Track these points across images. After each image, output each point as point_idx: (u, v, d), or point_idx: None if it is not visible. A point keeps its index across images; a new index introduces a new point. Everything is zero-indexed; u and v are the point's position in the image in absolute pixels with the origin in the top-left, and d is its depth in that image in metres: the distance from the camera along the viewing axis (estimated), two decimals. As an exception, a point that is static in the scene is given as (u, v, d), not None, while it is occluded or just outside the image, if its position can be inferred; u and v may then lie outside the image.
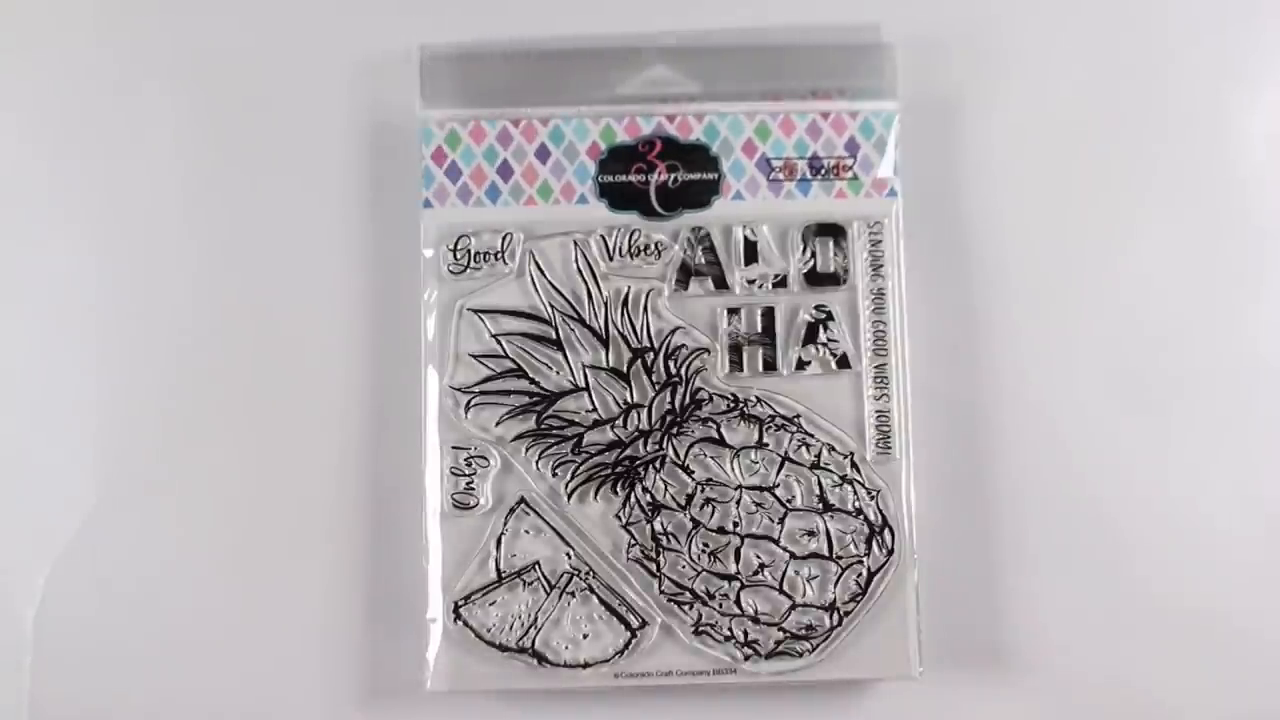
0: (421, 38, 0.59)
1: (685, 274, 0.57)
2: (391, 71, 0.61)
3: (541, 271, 0.57)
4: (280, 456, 0.61)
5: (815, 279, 0.57)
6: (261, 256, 0.62)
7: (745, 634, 0.56)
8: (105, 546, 0.60)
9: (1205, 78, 0.63)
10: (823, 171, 0.57)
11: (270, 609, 0.60)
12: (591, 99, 0.58)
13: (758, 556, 0.56)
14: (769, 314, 0.57)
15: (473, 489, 0.56)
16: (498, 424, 0.56)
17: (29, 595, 0.60)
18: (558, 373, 0.56)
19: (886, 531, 0.56)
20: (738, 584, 0.56)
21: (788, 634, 0.56)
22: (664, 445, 0.56)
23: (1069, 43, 0.63)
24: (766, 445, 0.56)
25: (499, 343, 0.56)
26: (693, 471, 0.56)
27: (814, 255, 0.57)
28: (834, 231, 0.57)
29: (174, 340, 0.61)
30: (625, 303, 0.57)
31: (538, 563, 0.56)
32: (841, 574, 0.56)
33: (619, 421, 0.56)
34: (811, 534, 0.56)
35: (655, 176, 0.57)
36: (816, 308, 0.57)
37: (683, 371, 0.57)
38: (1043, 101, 0.63)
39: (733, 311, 0.57)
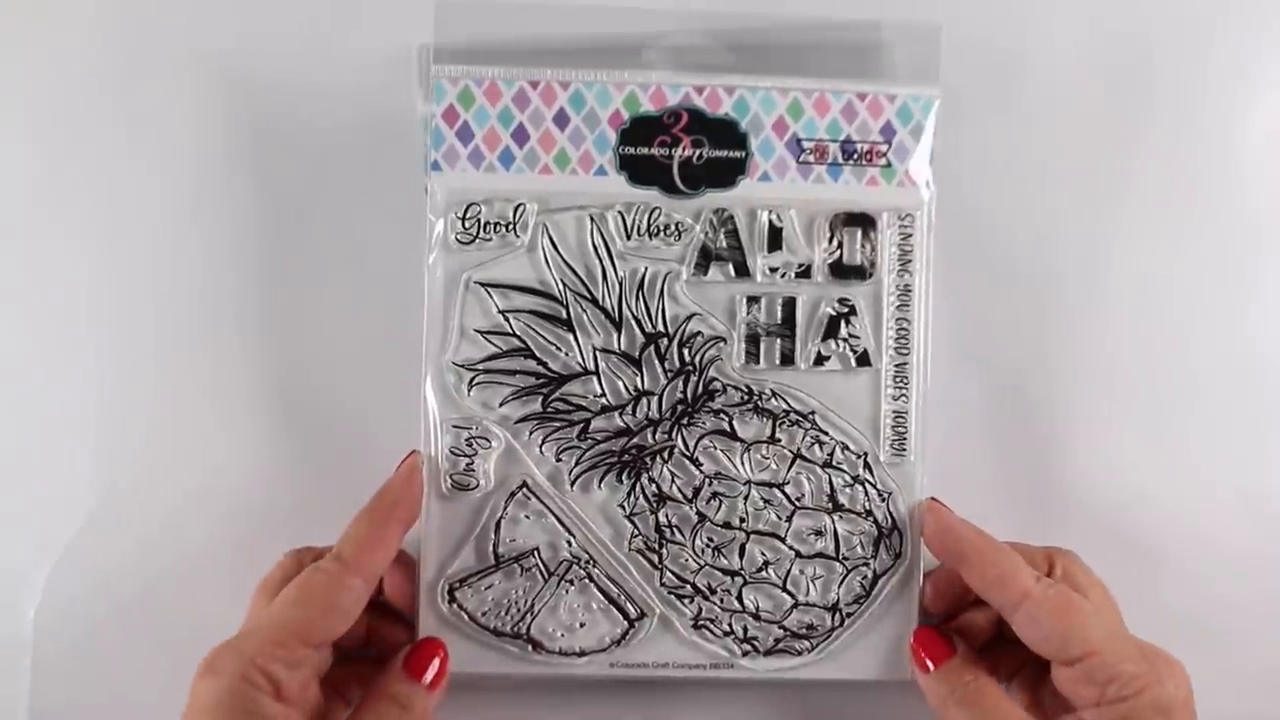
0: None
1: (705, 258, 0.54)
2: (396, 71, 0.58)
3: (555, 246, 0.54)
4: (280, 453, 0.60)
5: (840, 271, 0.54)
6: (265, 258, 0.60)
7: (745, 630, 0.55)
8: (105, 546, 0.60)
9: (1205, 77, 0.62)
10: (855, 156, 0.54)
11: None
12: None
13: (763, 553, 0.55)
14: (790, 305, 0.54)
15: (473, 470, 0.54)
16: (501, 404, 0.54)
17: (29, 595, 0.59)
18: (566, 354, 0.54)
19: (895, 535, 0.55)
20: (740, 580, 0.55)
21: (788, 632, 0.55)
22: (673, 435, 0.54)
23: (1070, 43, 0.62)
24: (779, 441, 0.55)
25: (506, 319, 0.54)
26: (701, 464, 0.54)
27: (841, 246, 0.54)
28: (863, 222, 0.54)
29: (175, 340, 0.60)
30: (641, 285, 0.54)
31: (536, 549, 0.54)
32: (846, 575, 0.55)
33: (628, 408, 0.54)
34: (819, 533, 0.55)
35: (679, 151, 0.54)
36: (840, 301, 0.54)
37: (697, 360, 0.54)
38: (1043, 101, 0.61)
39: (752, 300, 0.54)
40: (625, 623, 0.55)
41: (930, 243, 0.55)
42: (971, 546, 0.53)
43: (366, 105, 0.60)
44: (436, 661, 0.53)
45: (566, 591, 0.55)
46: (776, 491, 0.54)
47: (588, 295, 0.54)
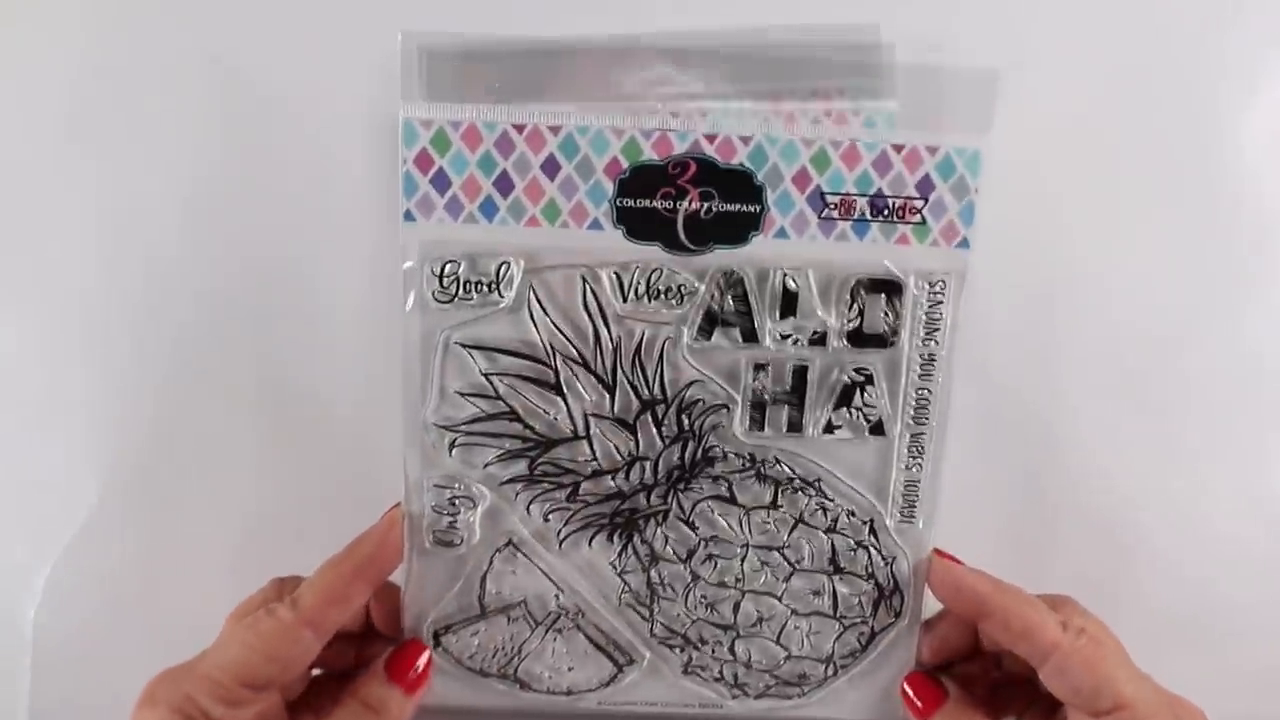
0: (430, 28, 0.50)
1: (710, 323, 0.48)
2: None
3: (543, 308, 0.48)
4: (279, 453, 0.60)
5: (859, 339, 0.49)
6: (266, 258, 0.58)
7: (735, 676, 0.54)
8: (105, 546, 0.60)
9: (1205, 77, 0.58)
10: (885, 213, 0.47)
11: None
12: (593, 96, 0.48)
13: (758, 611, 0.53)
14: (800, 373, 0.49)
15: (456, 527, 0.51)
16: (486, 465, 0.50)
17: (29, 595, 0.60)
18: (555, 417, 0.50)
19: (896, 596, 0.53)
20: (733, 633, 0.53)
21: (779, 680, 0.54)
22: (668, 500, 0.51)
23: (1069, 43, 0.57)
24: (780, 506, 0.51)
25: (490, 382, 0.49)
26: (697, 527, 0.51)
27: (861, 313, 0.49)
28: (888, 288, 0.48)
29: (175, 340, 0.59)
30: (638, 350, 0.49)
31: (524, 601, 0.53)
32: (843, 632, 0.53)
33: (621, 473, 0.51)
34: (817, 594, 0.52)
35: (685, 204, 0.47)
36: (856, 370, 0.49)
37: (696, 427, 0.50)
38: (1041, 102, 0.56)
39: (760, 367, 0.49)
40: (614, 667, 0.54)
41: (962, 307, 0.49)
42: (993, 601, 0.51)
43: (367, 106, 0.55)
44: (420, 664, 0.52)
45: (555, 640, 0.53)
46: (775, 554, 0.52)
47: (579, 359, 0.49)
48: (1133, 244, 0.59)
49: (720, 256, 0.48)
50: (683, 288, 0.48)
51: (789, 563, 0.52)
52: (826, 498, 0.51)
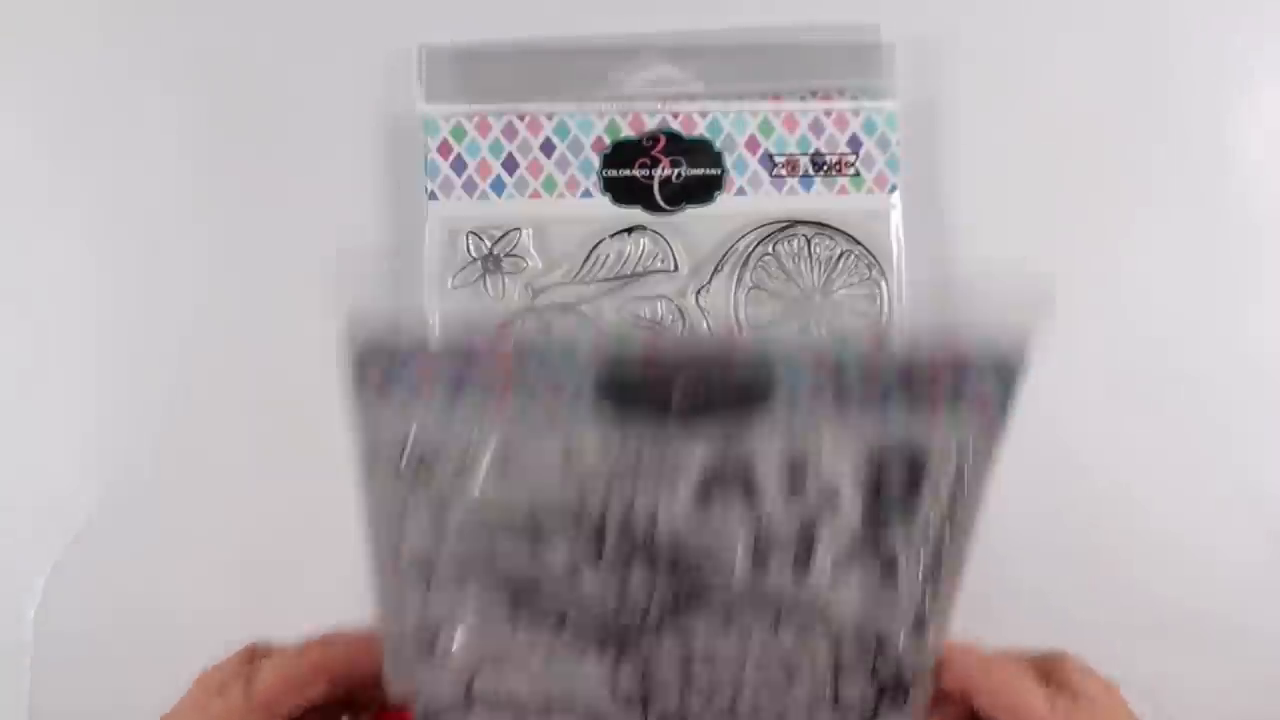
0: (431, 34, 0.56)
1: (707, 489, 0.43)
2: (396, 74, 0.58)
3: (521, 474, 0.43)
4: (280, 456, 0.60)
5: (875, 500, 0.44)
6: (266, 258, 0.60)
7: (729, 744, 0.53)
8: (105, 546, 0.60)
9: (1205, 77, 0.62)
10: (916, 389, 0.41)
11: (269, 609, 0.57)
12: (593, 96, 0.54)
13: (755, 706, 0.51)
14: (809, 533, 0.45)
15: (436, 647, 0.48)
16: (465, 599, 0.47)
17: (29, 595, 0.60)
18: (540, 563, 0.45)
19: (900, 693, 0.50)
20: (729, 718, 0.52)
21: (773, 749, 0.53)
22: (660, 629, 0.48)
23: (1067, 43, 0.61)
24: (782, 628, 0.48)
25: (466, 533, 0.45)
26: (694, 647, 0.48)
27: (880, 477, 0.43)
28: (912, 455, 0.43)
29: (175, 341, 0.61)
30: (629, 509, 0.44)
31: (511, 695, 0.51)
32: (843, 717, 0.52)
33: (611, 608, 0.47)
34: (818, 696, 0.50)
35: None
36: (868, 527, 0.45)
37: (694, 571, 0.46)
38: (1042, 103, 0.61)
39: (763, 522, 0.44)
40: (607, 739, 0.53)
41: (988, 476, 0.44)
42: (978, 679, 0.49)
43: (368, 107, 0.58)
44: None
45: (548, 720, 0.52)
46: (776, 667, 0.49)
47: (563, 516, 0.44)
48: (1132, 243, 0.60)
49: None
50: (679, 466, 0.43)
51: (789, 674, 0.50)
52: (831, 618, 0.48)
